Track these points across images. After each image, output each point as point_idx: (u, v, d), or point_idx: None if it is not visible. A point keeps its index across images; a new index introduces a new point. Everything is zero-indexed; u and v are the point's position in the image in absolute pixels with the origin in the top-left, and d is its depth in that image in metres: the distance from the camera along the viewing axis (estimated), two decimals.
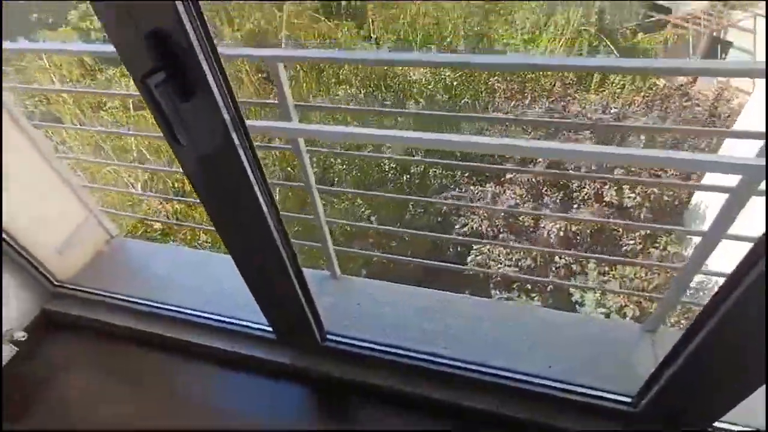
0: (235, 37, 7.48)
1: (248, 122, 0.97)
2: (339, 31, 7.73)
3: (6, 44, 1.80)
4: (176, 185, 6.41)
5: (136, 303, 1.80)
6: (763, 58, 12.39)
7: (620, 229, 6.46)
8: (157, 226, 6.05)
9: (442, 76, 7.74)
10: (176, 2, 0.77)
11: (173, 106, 0.85)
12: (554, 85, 8.20)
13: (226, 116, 0.92)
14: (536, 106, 7.59)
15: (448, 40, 8.17)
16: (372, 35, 8.33)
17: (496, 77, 7.71)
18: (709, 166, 1.32)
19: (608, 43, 8.90)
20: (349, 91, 7.42)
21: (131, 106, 7.14)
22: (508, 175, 6.56)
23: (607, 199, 6.32)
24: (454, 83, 7.72)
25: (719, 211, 1.26)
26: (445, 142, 1.28)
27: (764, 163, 1.09)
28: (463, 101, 7.60)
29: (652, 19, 14.61)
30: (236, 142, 0.96)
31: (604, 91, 8.08)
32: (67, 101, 7.32)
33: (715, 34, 14.41)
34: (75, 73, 8.29)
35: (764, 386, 1.00)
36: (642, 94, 7.57)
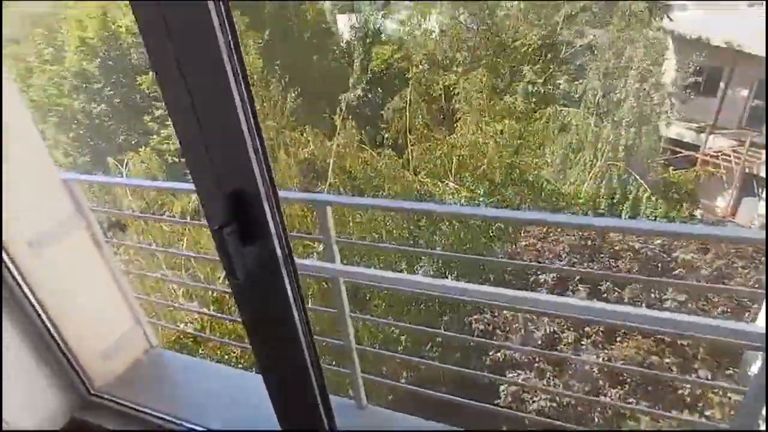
0: (289, 163, 8.34)
1: (298, 261, 1.12)
2: (381, 159, 8.50)
3: (92, 177, 2.15)
4: (215, 294, 6.64)
5: (171, 422, 1.80)
6: None
7: (674, 368, 5.93)
8: (191, 331, 6.15)
9: (477, 202, 8.13)
10: (254, 166, 0.97)
11: (237, 249, 1.01)
12: (586, 214, 8.38)
13: (280, 255, 1.07)
14: (565, 232, 7.67)
15: (482, 168, 8.75)
16: (411, 163, 9.07)
17: (528, 205, 8.01)
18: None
19: (637, 176, 9.22)
20: (386, 212, 7.87)
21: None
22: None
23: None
24: (488, 208, 8.05)
25: None
26: (477, 292, 1.37)
27: None
28: (496, 226, 7.84)
29: (680, 155, 15.21)
30: (285, 277, 1.09)
31: (636, 219, 8.13)
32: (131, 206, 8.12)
33: (747, 170, 14.71)
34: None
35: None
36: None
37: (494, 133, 8.89)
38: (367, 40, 22.11)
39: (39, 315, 1.94)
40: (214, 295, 6.21)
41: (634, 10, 14.13)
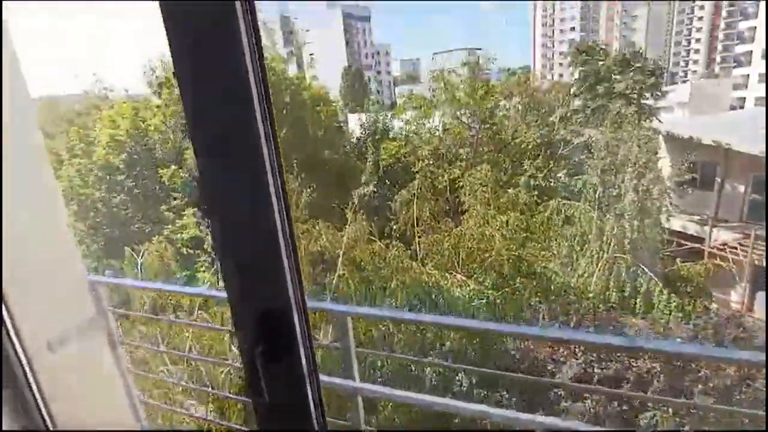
0: (300, 255, 8.48)
1: (322, 377, 1.13)
2: (389, 250, 8.63)
3: (118, 280, 2.22)
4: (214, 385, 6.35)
5: None
6: None
7: None
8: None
9: (485, 294, 8.05)
10: (289, 286, 1.04)
11: (266, 368, 1.04)
12: (598, 308, 8.22)
13: (305, 372, 1.09)
14: (581, 328, 7.48)
15: (490, 260, 8.81)
16: (418, 255, 9.17)
17: (538, 297, 7.92)
18: None
19: (645, 269, 9.19)
20: (395, 305, 7.79)
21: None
22: (562, 403, 6.03)
23: None
24: (497, 301, 7.95)
25: None
26: (499, 416, 1.35)
27: None
28: (506, 320, 7.66)
29: (686, 247, 15.25)
30: (309, 396, 1.10)
31: (650, 315, 7.95)
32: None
33: (756, 262, 14.59)
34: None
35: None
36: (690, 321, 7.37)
37: (500, 225, 9.10)
38: (376, 137, 23.63)
39: (44, 419, 1.89)
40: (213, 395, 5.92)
41: (623, 112, 15.23)
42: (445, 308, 7.79)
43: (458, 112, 19.64)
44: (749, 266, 14.53)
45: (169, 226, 13.04)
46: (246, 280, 1.01)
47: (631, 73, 15.64)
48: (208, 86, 0.96)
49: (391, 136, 21.81)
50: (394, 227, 10.53)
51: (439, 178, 16.44)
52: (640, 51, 18.04)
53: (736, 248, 14.85)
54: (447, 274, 8.74)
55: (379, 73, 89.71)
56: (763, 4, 48.40)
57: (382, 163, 19.44)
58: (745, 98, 46.71)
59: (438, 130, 20.32)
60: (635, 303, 8.27)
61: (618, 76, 15.77)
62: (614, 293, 8.53)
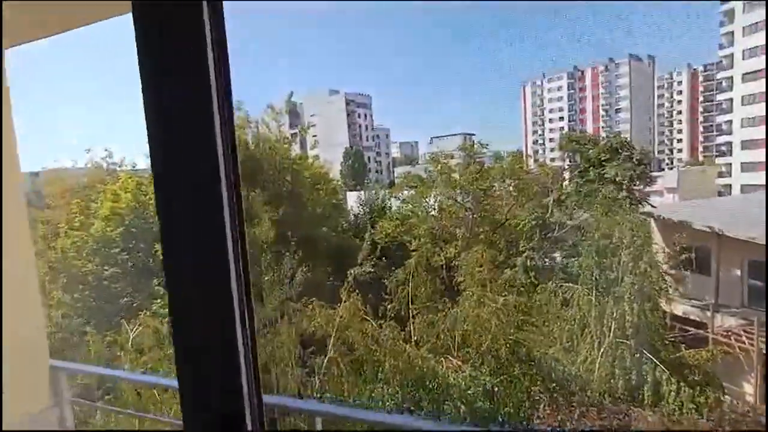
0: (290, 334, 8.14)
1: None
2: (383, 331, 8.33)
3: (81, 366, 2.09)
4: None
5: None
6: None
7: None
8: None
9: (482, 381, 7.62)
10: (243, 393, 0.96)
11: None
12: (603, 399, 7.74)
13: None
14: (586, 420, 6.99)
15: (486, 344, 8.47)
16: (413, 337, 8.83)
17: (538, 386, 7.48)
18: None
19: (650, 356, 8.82)
20: (387, 391, 7.34)
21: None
22: None
23: None
24: (495, 389, 7.51)
25: None
26: None
27: None
28: (505, 410, 7.18)
29: (689, 333, 14.80)
30: None
31: (660, 406, 7.47)
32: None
33: (764, 351, 14.07)
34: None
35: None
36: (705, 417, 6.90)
37: (498, 308, 8.88)
38: (374, 215, 24.02)
39: None
40: None
41: (615, 197, 15.67)
42: (440, 396, 7.33)
43: (454, 193, 20.16)
44: (757, 355, 13.99)
45: (158, 301, 12.71)
46: (201, 381, 0.94)
47: (620, 162, 16.35)
48: (181, 181, 0.97)
49: (387, 215, 22.18)
50: (389, 307, 10.28)
51: (435, 257, 16.41)
52: (627, 140, 19.03)
53: (741, 335, 14.41)
54: (442, 359, 8.36)
55: (378, 154, 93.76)
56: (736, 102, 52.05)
57: (378, 242, 19.53)
58: (731, 185, 48.35)
59: (434, 209, 20.71)
60: (643, 394, 7.81)
61: (607, 164, 16.48)
62: (620, 381, 8.08)
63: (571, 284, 10.34)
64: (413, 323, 9.16)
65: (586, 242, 12.00)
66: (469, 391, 7.29)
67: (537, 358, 8.40)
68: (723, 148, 55.08)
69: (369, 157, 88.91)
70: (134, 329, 10.90)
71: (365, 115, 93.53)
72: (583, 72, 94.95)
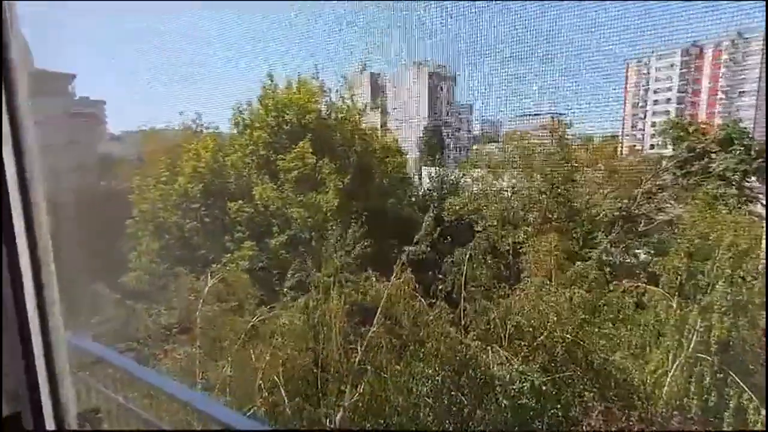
0: (340, 305, 8.11)
1: None
2: (431, 311, 8.06)
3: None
4: None
5: None
6: None
7: None
8: None
9: (531, 377, 7.10)
10: None
11: None
12: (670, 417, 6.87)
13: None
14: None
15: (541, 339, 7.86)
16: (462, 322, 8.48)
17: (594, 392, 6.80)
18: None
19: (735, 377, 7.62)
20: (427, 372, 7.13)
21: None
22: None
23: None
24: (543, 387, 6.97)
25: None
26: None
27: None
28: (552, 411, 6.64)
29: None
30: None
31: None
32: None
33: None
34: None
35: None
36: None
37: (560, 302, 8.17)
38: (444, 192, 23.46)
39: None
40: None
41: (721, 193, 13.60)
42: (481, 386, 6.97)
43: (531, 175, 18.91)
44: None
45: (228, 255, 13.55)
46: None
47: (733, 154, 14.08)
48: None
49: (459, 192, 21.48)
50: (441, 287, 9.93)
51: (501, 240, 15.61)
52: (745, 129, 16.33)
53: None
54: (489, 348, 7.91)
55: (458, 130, 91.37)
56: None
57: (445, 219, 19.05)
58: None
59: (507, 191, 19.65)
60: (721, 418, 6.80)
61: (717, 155, 14.28)
62: (695, 402, 7.10)
63: (650, 286, 9.21)
64: (463, 308, 8.78)
65: (677, 240, 10.61)
66: (513, 386, 6.85)
67: (597, 362, 7.64)
68: None
69: (448, 133, 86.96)
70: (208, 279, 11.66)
71: (448, 89, 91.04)
72: (702, 48, 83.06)
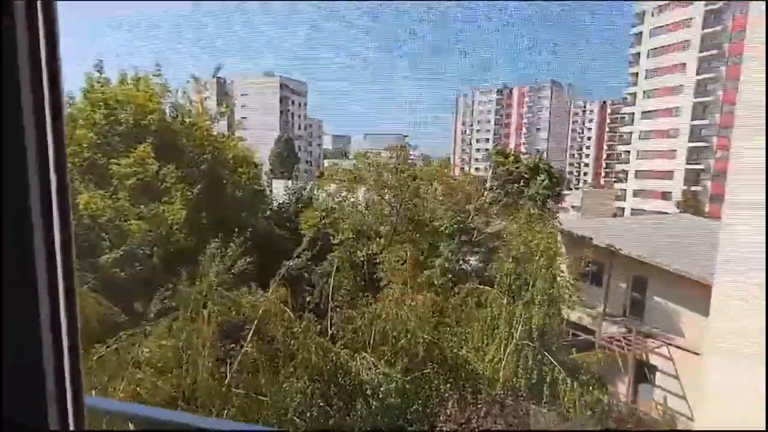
0: (211, 325, 7.42)
1: None
2: (299, 324, 7.98)
3: None
4: None
5: None
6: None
7: None
8: None
9: (395, 378, 7.62)
10: None
11: None
12: (506, 396, 8.14)
13: None
14: (489, 418, 7.29)
15: (402, 343, 8.50)
16: (329, 330, 8.61)
17: (450, 384, 7.66)
18: None
19: (549, 357, 9.49)
20: (296, 385, 7.03)
21: None
22: None
23: None
24: (406, 386, 7.56)
25: None
26: None
27: None
28: (414, 407, 7.25)
29: (579, 338, 16.31)
30: None
31: (557, 404, 8.03)
32: None
33: (637, 357, 15.94)
34: None
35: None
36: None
37: (416, 306, 8.96)
38: (299, 205, 23.34)
39: None
40: None
41: (532, 211, 16.78)
42: (352, 392, 7.20)
43: (382, 191, 20.12)
44: (632, 360, 15.79)
45: None
46: None
47: (539, 181, 17.54)
48: None
49: (314, 205, 21.66)
50: (308, 299, 9.93)
51: (358, 252, 16.30)
52: (547, 161, 20.43)
53: (621, 341, 16.16)
54: (357, 355, 8.22)
55: (310, 144, 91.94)
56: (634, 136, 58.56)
57: (303, 233, 19.02)
58: (624, 208, 54.60)
59: (360, 205, 20.59)
60: (542, 392, 8.35)
61: (528, 180, 17.60)
62: (523, 381, 8.58)
63: (486, 287, 10.80)
64: (330, 318, 8.94)
65: (506, 248, 12.60)
66: (381, 388, 7.26)
67: (449, 358, 8.62)
68: (620, 175, 62.32)
69: (299, 146, 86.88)
70: None
71: (300, 104, 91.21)
72: (511, 90, 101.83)
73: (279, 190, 25.58)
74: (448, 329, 9.39)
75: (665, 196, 52.47)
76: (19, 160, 0.72)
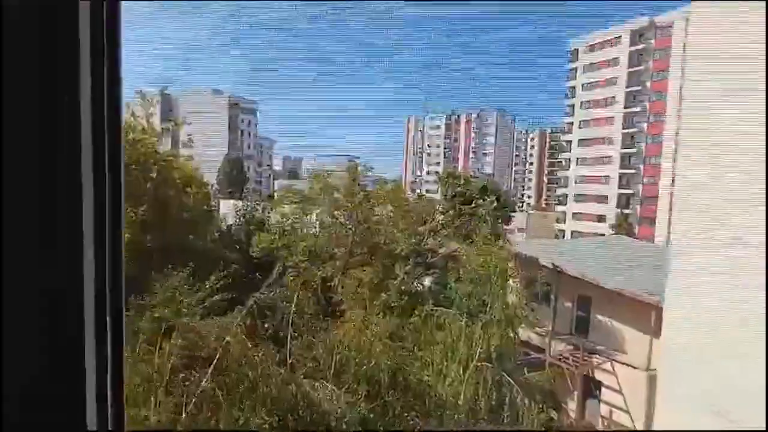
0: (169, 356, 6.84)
1: None
2: (257, 352, 7.57)
3: None
4: None
5: None
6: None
7: None
8: None
9: (358, 408, 7.39)
10: None
11: None
12: (469, 420, 8.12)
13: None
14: None
15: (363, 370, 8.29)
16: (289, 359, 8.24)
17: (415, 411, 7.54)
18: None
19: (507, 377, 9.65)
20: (256, 421, 6.61)
21: None
22: None
23: None
24: (371, 415, 7.34)
25: None
26: None
27: None
28: None
29: (530, 356, 16.79)
30: None
31: (517, 425, 8.11)
32: None
33: (585, 373, 16.64)
34: None
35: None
36: None
37: (376, 332, 8.82)
38: (251, 227, 22.60)
39: None
40: None
41: (483, 232, 17.25)
42: (313, 424, 6.89)
43: (336, 213, 19.93)
44: (579, 376, 16.46)
45: None
46: None
47: (489, 202, 18.18)
48: None
49: (266, 227, 21.04)
50: (266, 326, 9.49)
51: (313, 276, 15.86)
52: (496, 183, 21.25)
53: (568, 358, 16.82)
54: (317, 384, 7.92)
55: (260, 164, 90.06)
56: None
57: (256, 257, 18.35)
58: (564, 230, 57.86)
59: (315, 227, 20.27)
60: (502, 414, 8.43)
61: (479, 202, 18.18)
62: (482, 402, 8.62)
63: (444, 309, 10.89)
64: (290, 347, 8.58)
65: (463, 270, 12.80)
66: (345, 419, 7.00)
67: (413, 383, 8.51)
68: (561, 198, 66.32)
69: (249, 167, 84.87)
70: None
71: (249, 122, 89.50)
72: (459, 116, 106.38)
73: (227, 210, 24.64)
74: (410, 354, 9.30)
75: (601, 218, 56.31)
76: (75, 158, 0.71)
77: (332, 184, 20.11)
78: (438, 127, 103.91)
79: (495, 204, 18.22)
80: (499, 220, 18.18)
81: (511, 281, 11.32)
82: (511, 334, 10.07)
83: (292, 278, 15.59)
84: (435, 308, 10.95)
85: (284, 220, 20.59)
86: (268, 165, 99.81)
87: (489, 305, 10.06)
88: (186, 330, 7.41)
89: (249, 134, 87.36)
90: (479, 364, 9.28)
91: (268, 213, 23.81)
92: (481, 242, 12.51)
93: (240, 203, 25.10)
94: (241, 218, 23.31)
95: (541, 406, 9.95)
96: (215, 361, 6.77)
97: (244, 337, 7.45)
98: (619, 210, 54.92)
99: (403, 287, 17.13)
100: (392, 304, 12.96)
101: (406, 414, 7.53)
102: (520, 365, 13.06)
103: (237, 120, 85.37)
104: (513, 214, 40.71)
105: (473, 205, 18.38)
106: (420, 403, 7.87)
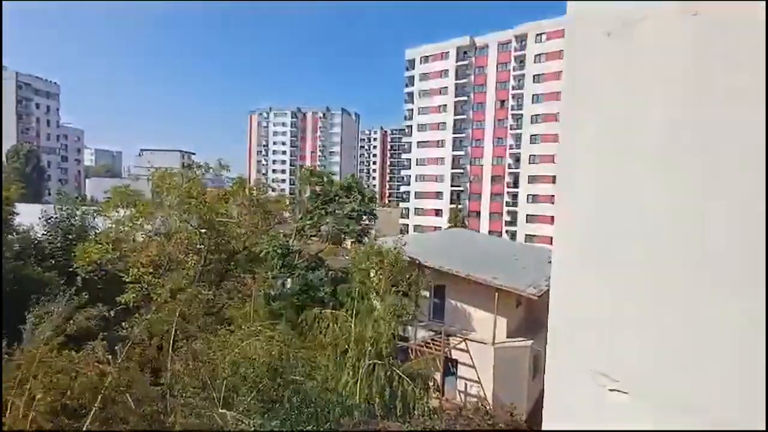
0: None
1: None
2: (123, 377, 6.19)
3: None
4: None
5: None
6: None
7: None
8: None
9: (250, 421, 6.75)
10: None
11: None
12: (367, 417, 8.18)
13: None
14: None
15: (250, 378, 7.56)
16: (169, 394, 6.98)
17: (315, 418, 7.22)
18: None
19: (388, 365, 9.97)
20: None
21: None
22: None
23: None
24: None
25: None
26: None
27: None
28: None
29: (400, 346, 17.80)
30: None
31: (411, 416, 8.48)
32: None
33: (445, 355, 18.39)
34: None
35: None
36: None
37: (265, 345, 8.17)
38: (70, 236, 18.60)
39: None
40: None
41: (353, 229, 17.54)
42: None
43: (187, 215, 17.73)
44: (440, 358, 18.12)
45: None
46: None
47: (354, 198, 18.45)
48: None
49: (92, 236, 17.50)
50: (136, 350, 7.81)
51: (159, 289, 13.70)
52: (358, 181, 21.58)
53: (430, 343, 18.35)
54: (203, 412, 6.94)
55: (65, 159, 74.38)
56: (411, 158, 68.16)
57: (78, 271, 15.12)
58: (408, 224, 62.96)
59: (158, 234, 17.72)
60: (395, 407, 8.70)
61: (345, 199, 18.28)
62: (377, 399, 8.77)
63: (329, 311, 10.70)
64: (172, 370, 7.29)
65: (343, 269, 12.73)
66: None
67: (304, 388, 8.14)
68: (404, 195, 71.82)
69: (49, 161, 69.42)
70: None
71: (48, 108, 73.01)
72: (305, 114, 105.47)
73: (26, 217, 19.53)
74: (302, 358, 8.88)
75: (438, 213, 62.99)
76: None
77: (176, 184, 17.79)
78: (284, 124, 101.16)
79: (360, 200, 18.67)
80: (366, 216, 18.68)
81: (381, 277, 11.77)
82: (394, 329, 10.47)
83: (132, 296, 13.45)
84: (321, 310, 10.66)
85: (117, 227, 17.41)
86: (77, 159, 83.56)
87: (366, 301, 10.27)
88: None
89: (49, 122, 71.54)
90: (372, 361, 9.42)
91: (94, 219, 19.95)
92: (357, 241, 12.69)
93: (45, 207, 20.20)
94: (55, 228, 18.96)
95: (427, 392, 10.57)
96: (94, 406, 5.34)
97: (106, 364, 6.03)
98: (453, 205, 62.30)
99: (272, 292, 16.31)
100: (275, 311, 12.22)
101: (310, 424, 7.16)
102: (393, 356, 13.73)
103: (30, 104, 69.10)
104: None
105: (338, 202, 18.47)
106: (319, 406, 7.56)
